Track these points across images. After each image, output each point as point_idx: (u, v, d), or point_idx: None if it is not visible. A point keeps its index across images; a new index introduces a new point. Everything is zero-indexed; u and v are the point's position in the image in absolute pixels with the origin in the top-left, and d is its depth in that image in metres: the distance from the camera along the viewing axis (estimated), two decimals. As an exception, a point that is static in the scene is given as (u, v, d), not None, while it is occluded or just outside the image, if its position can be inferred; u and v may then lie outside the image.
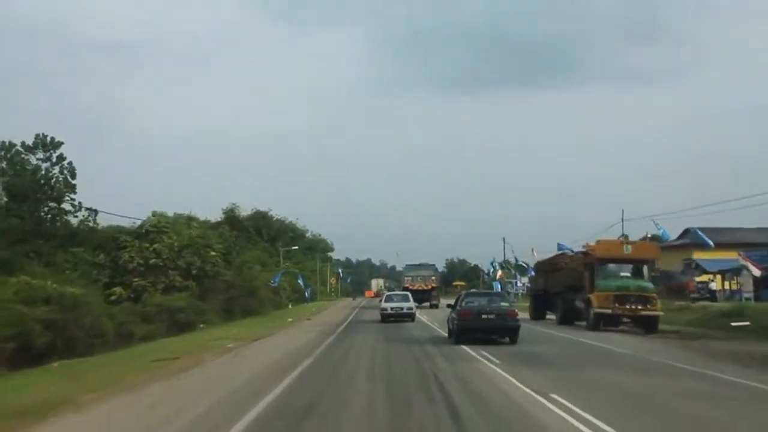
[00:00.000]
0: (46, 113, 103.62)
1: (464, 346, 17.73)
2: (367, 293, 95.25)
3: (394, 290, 46.72)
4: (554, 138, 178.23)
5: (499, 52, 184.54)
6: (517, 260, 56.84)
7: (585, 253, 27.75)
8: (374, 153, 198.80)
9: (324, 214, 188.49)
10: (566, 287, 29.49)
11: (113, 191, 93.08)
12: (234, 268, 42.14)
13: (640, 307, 24.60)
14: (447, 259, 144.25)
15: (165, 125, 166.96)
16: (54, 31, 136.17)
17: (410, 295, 35.23)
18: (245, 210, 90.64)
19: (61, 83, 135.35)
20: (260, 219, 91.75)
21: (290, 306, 52.89)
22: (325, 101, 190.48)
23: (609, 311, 24.76)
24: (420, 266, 51.80)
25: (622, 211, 46.95)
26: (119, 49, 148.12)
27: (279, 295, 53.86)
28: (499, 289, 46.63)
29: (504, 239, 65.61)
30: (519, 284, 55.96)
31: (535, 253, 50.55)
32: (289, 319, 35.82)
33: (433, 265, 55.05)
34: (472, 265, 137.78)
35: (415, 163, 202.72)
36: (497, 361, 14.26)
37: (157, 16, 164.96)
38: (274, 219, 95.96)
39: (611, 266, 25.98)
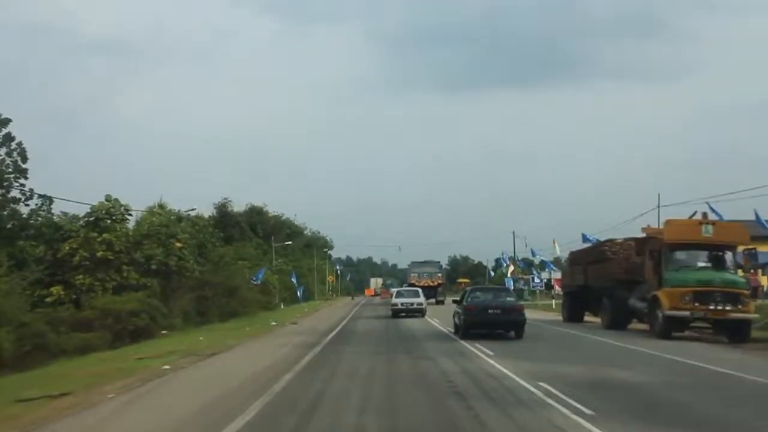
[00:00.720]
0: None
1: (515, 376, 11.23)
2: (366, 292, 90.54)
3: (391, 286, 48.41)
4: (557, 135, 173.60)
5: (502, 50, 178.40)
6: (534, 254, 50.59)
7: (645, 239, 21.49)
8: (375, 151, 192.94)
9: (324, 212, 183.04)
10: (615, 282, 23.17)
11: (99, 189, 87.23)
12: (211, 263, 35.91)
13: (728, 308, 18.35)
14: (450, 256, 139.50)
15: (161, 122, 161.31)
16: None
17: (420, 291, 34.61)
18: (239, 206, 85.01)
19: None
20: (255, 215, 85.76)
21: (282, 306, 46.73)
22: (325, 99, 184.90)
23: (686, 313, 18.50)
24: (425, 263, 50.99)
25: (659, 195, 40.47)
26: (119, 46, 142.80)
27: (270, 295, 47.71)
28: (511, 286, 40.82)
29: (514, 233, 59.53)
30: (537, 280, 49.62)
31: (556, 246, 44.55)
32: (273, 323, 29.72)
33: (438, 262, 54.12)
34: (476, 262, 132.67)
35: (416, 161, 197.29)
36: (599, 416, 7.78)
37: (151, 13, 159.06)
38: (270, 215, 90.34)
39: (685, 254, 19.74)
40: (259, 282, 38.30)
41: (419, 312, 30.93)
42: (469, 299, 19.66)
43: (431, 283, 46.53)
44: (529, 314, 20.87)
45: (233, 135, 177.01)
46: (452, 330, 21.04)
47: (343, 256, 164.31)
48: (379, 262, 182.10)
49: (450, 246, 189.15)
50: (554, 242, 44.26)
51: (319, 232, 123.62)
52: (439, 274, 49.07)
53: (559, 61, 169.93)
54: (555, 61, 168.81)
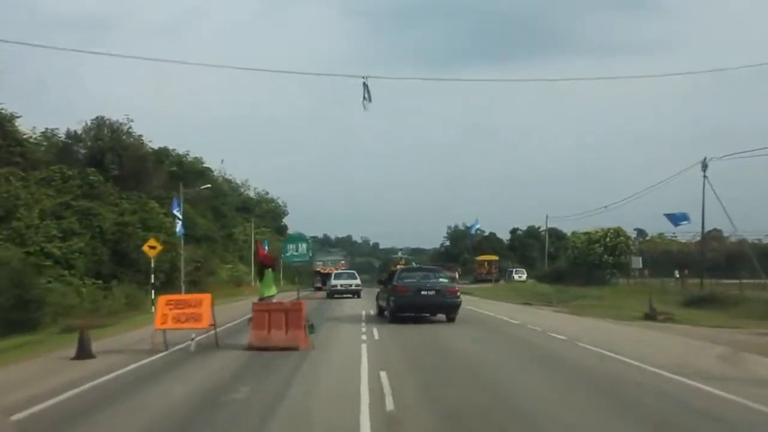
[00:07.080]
0: None
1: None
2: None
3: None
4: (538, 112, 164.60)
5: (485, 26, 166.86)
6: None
7: None
8: (356, 128, 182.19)
9: (305, 187, 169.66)
10: None
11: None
12: None
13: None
14: (449, 227, 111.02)
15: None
16: None
17: (356, 273, 40.74)
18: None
19: None
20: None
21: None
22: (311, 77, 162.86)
23: None
24: (330, 253, 57.92)
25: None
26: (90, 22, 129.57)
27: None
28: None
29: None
30: None
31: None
32: None
33: (343, 251, 65.80)
34: (486, 233, 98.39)
35: (400, 139, 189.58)
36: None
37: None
38: (182, 157, 59.71)
39: None
40: None
41: (355, 294, 35.13)
42: (399, 280, 19.34)
43: (334, 270, 50.66)
44: None
45: (202, 113, 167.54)
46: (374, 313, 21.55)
47: (320, 234, 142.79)
48: (359, 240, 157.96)
49: (445, 219, 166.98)
50: None
51: (267, 193, 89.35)
52: (342, 262, 53.75)
53: (542, 36, 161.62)
54: (537, 36, 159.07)
